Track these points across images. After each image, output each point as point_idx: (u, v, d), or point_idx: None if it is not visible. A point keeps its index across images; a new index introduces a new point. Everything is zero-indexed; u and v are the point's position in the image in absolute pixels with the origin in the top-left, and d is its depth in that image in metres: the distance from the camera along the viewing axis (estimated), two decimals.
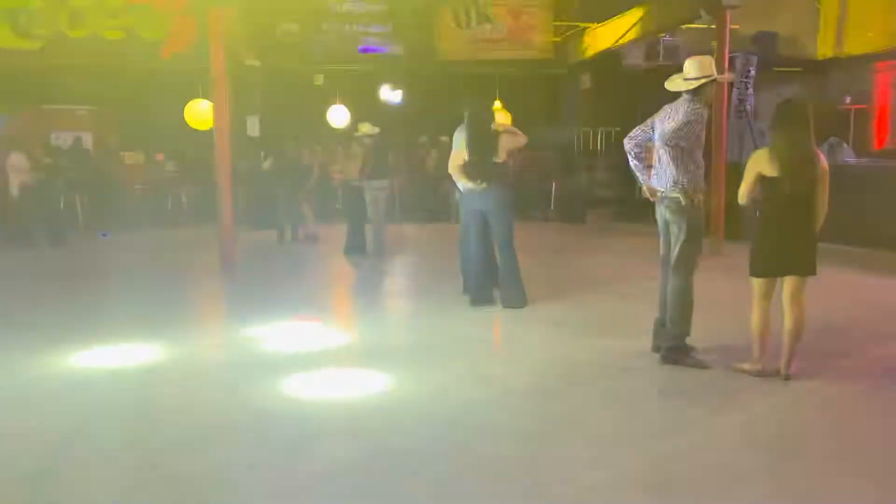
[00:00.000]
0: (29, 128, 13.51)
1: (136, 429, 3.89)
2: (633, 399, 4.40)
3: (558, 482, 3.24)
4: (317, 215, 11.35)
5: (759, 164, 4.50)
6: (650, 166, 4.98)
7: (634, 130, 5.04)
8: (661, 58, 13.81)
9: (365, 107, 14.24)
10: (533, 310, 6.54)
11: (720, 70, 5.83)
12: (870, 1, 13.44)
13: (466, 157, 6.48)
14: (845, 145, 11.63)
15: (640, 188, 5.18)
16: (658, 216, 4.99)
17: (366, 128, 9.59)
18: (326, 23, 15.41)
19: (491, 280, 6.78)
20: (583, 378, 4.71)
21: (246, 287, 8.09)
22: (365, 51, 16.04)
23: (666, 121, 4.81)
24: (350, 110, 14.70)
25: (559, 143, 16.47)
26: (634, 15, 13.17)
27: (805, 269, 4.51)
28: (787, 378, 4.54)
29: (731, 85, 11.04)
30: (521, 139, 6.70)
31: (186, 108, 12.20)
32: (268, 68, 14.84)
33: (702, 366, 4.81)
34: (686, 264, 4.83)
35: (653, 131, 4.93)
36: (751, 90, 12.41)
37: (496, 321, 6.34)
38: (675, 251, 4.86)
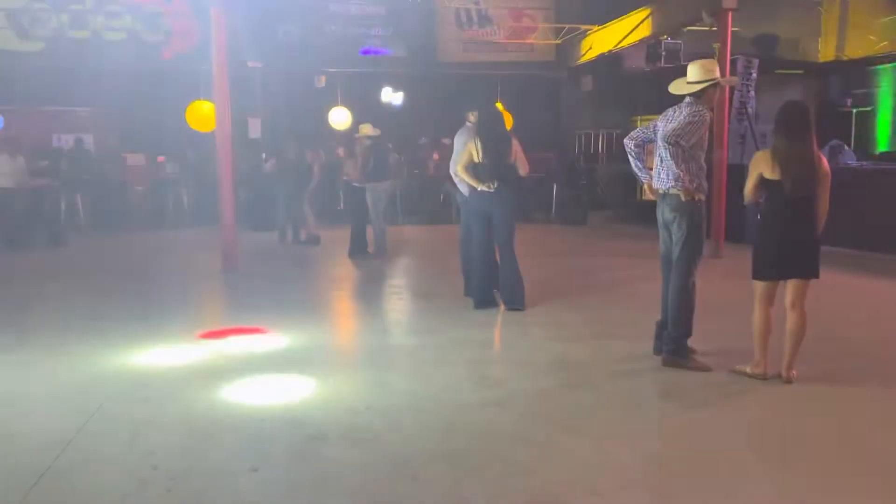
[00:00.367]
0: (30, 129, 13.55)
1: (136, 429, 3.89)
2: (635, 401, 4.40)
3: (560, 484, 3.24)
4: (319, 217, 11.35)
5: (761, 164, 4.51)
6: (650, 168, 4.99)
7: (635, 131, 5.11)
8: (662, 60, 13.78)
9: (366, 108, 14.28)
10: (534, 312, 6.55)
11: (723, 73, 5.83)
12: (871, 3, 13.46)
13: (479, 159, 6.42)
14: (846, 148, 11.63)
15: (641, 186, 5.18)
16: (658, 215, 4.99)
17: (367, 129, 9.62)
18: (328, 25, 15.46)
19: (493, 282, 6.78)
20: (584, 380, 4.71)
21: (246, 287, 8.10)
22: (366, 53, 16.09)
23: (668, 122, 4.83)
24: (351, 112, 14.73)
25: (560, 145, 16.52)
26: (636, 17, 13.20)
27: (807, 271, 4.51)
28: (789, 381, 4.54)
29: (732, 87, 11.05)
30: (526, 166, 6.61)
31: (188, 109, 12.21)
32: (269, 70, 14.87)
33: (703, 368, 4.81)
34: (687, 264, 4.83)
35: (654, 133, 4.95)
36: (752, 93, 12.41)
37: (498, 323, 6.34)
38: (675, 251, 4.86)
